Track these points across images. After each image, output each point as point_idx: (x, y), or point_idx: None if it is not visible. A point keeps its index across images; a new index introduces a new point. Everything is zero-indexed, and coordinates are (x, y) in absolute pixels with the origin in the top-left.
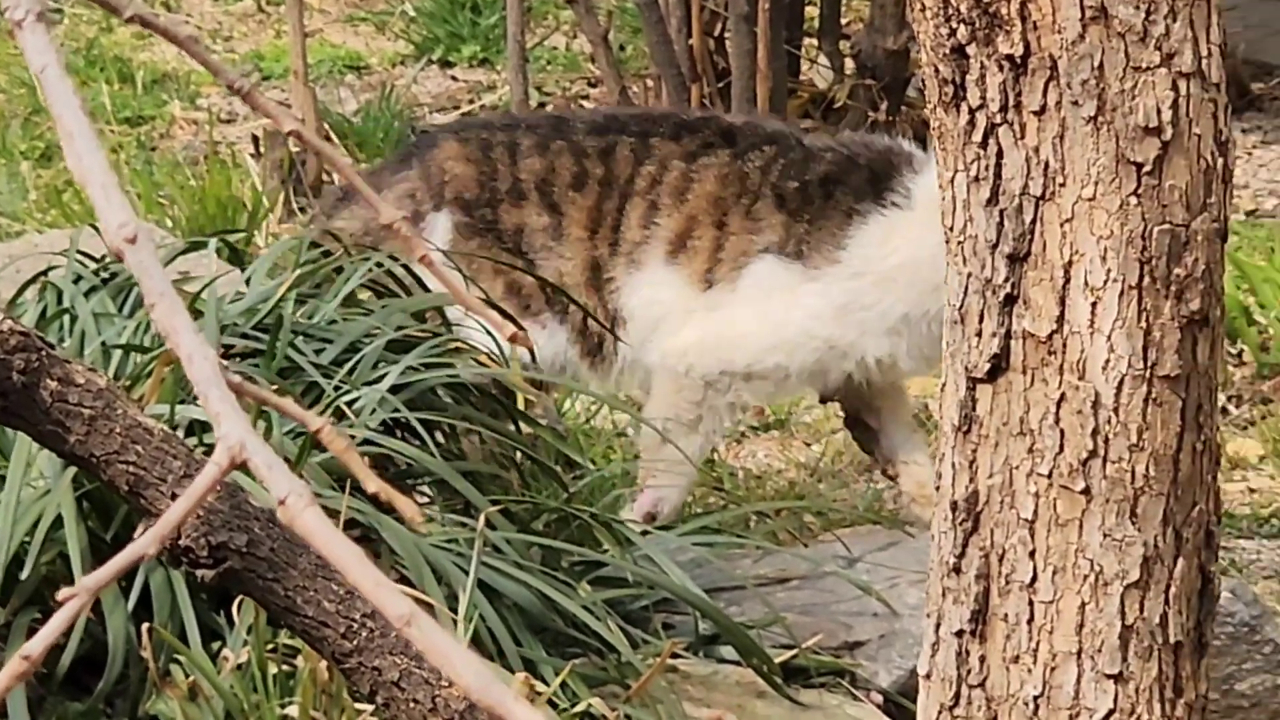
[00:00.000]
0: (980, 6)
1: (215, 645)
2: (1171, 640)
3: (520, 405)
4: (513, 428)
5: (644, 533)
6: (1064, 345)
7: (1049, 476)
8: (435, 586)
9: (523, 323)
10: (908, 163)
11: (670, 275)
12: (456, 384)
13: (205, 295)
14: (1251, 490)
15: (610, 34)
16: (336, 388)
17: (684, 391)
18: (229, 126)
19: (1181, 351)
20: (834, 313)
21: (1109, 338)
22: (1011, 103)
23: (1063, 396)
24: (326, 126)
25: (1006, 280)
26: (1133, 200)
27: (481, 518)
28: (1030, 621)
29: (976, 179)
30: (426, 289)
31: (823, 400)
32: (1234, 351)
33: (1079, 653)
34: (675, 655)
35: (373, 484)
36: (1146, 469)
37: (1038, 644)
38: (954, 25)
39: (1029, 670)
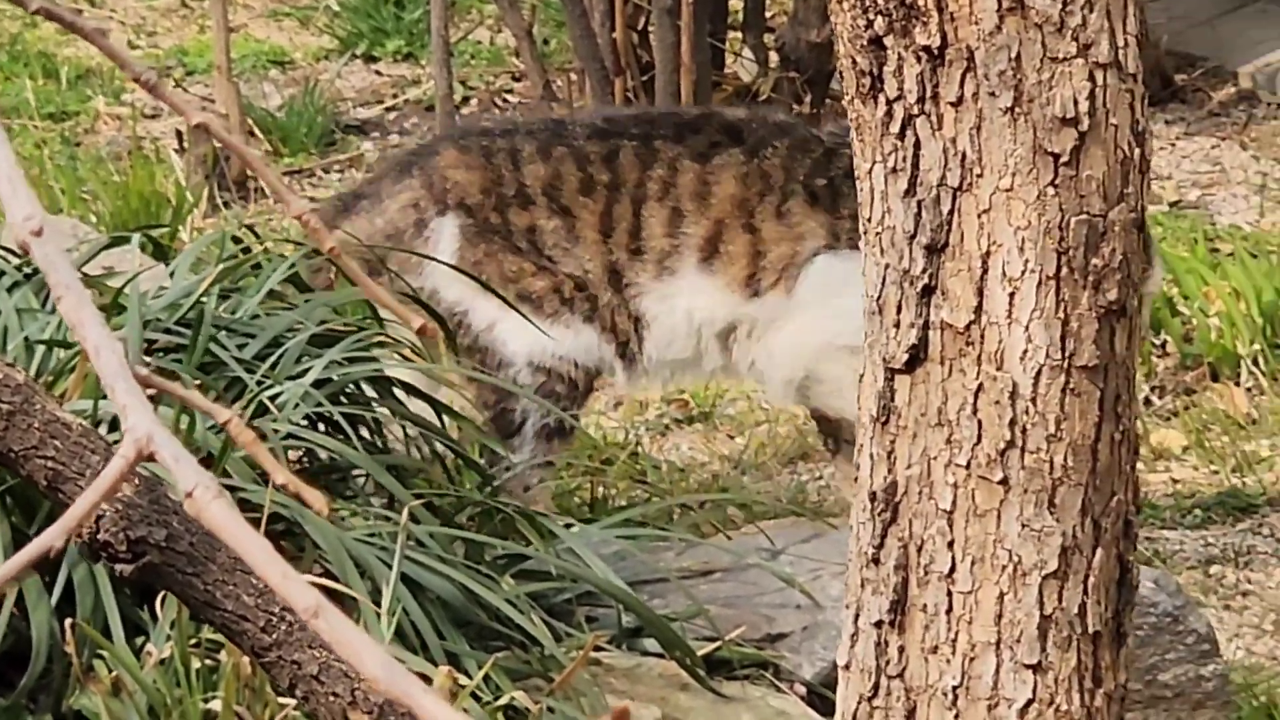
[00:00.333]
0: None
1: (139, 640)
2: (1090, 630)
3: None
4: (437, 421)
5: (567, 525)
6: (982, 336)
7: (967, 467)
8: (358, 580)
9: (546, 322)
10: None
11: (706, 282)
12: (380, 378)
13: (128, 290)
14: (1174, 481)
15: (534, 28)
16: (259, 382)
17: (830, 375)
18: (153, 122)
19: (1099, 342)
20: None
21: (1027, 328)
22: (929, 94)
23: (981, 387)
24: (250, 121)
25: (924, 271)
26: (1050, 191)
27: (405, 511)
28: (949, 612)
29: (894, 170)
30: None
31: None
32: (1157, 342)
33: (998, 643)
34: (598, 648)
35: (281, 476)
36: (1065, 459)
37: (956, 634)
38: (871, 17)
39: (948, 661)
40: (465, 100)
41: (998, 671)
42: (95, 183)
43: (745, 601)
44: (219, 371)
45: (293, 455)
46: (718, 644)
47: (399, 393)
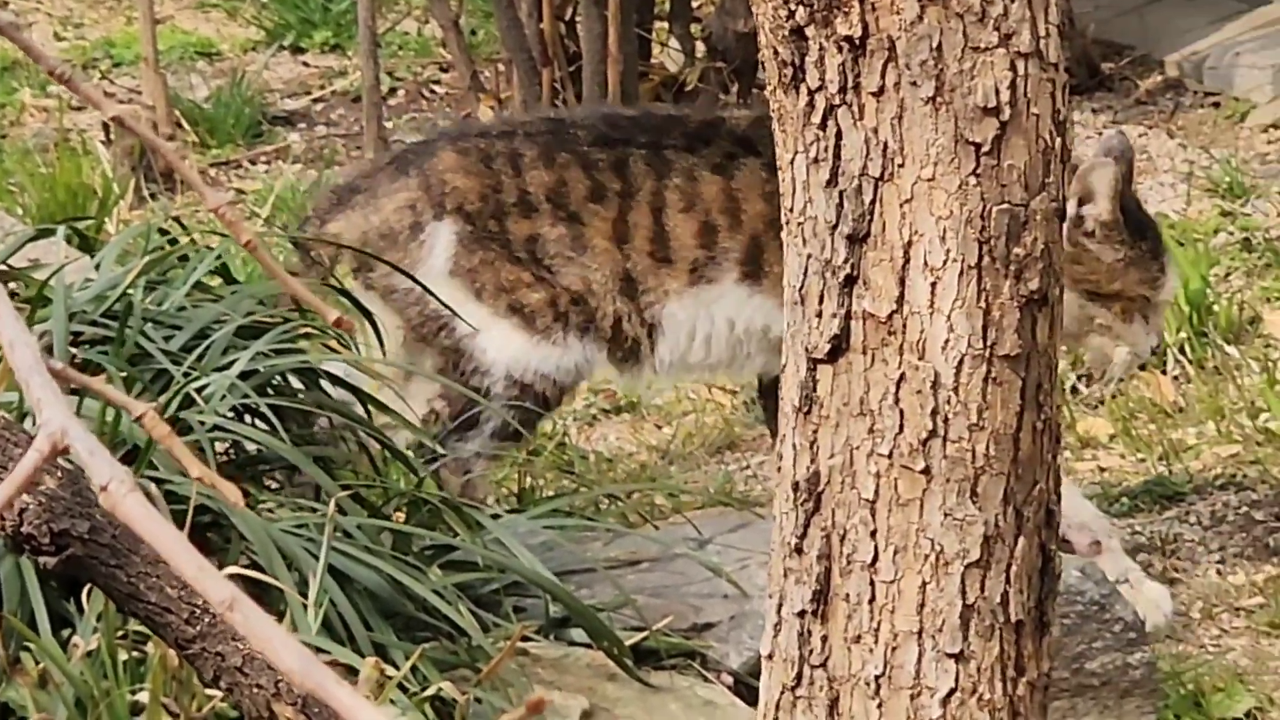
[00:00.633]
0: None
1: (65, 633)
2: (1013, 619)
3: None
4: (364, 413)
5: (494, 516)
6: (904, 325)
7: (889, 456)
8: (285, 572)
9: (534, 338)
10: None
11: (749, 295)
12: (307, 369)
13: (54, 282)
14: (1101, 469)
15: (461, 19)
16: (186, 374)
17: None
18: (80, 114)
19: (1021, 331)
20: None
21: (948, 317)
22: (850, 84)
23: (903, 376)
24: (178, 113)
25: (846, 261)
26: (972, 180)
27: (332, 503)
28: (872, 601)
29: (816, 160)
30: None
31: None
32: None
33: (920, 632)
34: (526, 638)
35: (195, 469)
36: (987, 448)
37: (879, 624)
38: (793, 7)
39: (870, 650)
40: (392, 91)
41: (920, 660)
42: (21, 174)
43: (672, 591)
44: (145, 363)
45: (220, 447)
46: (645, 634)
47: (325, 384)
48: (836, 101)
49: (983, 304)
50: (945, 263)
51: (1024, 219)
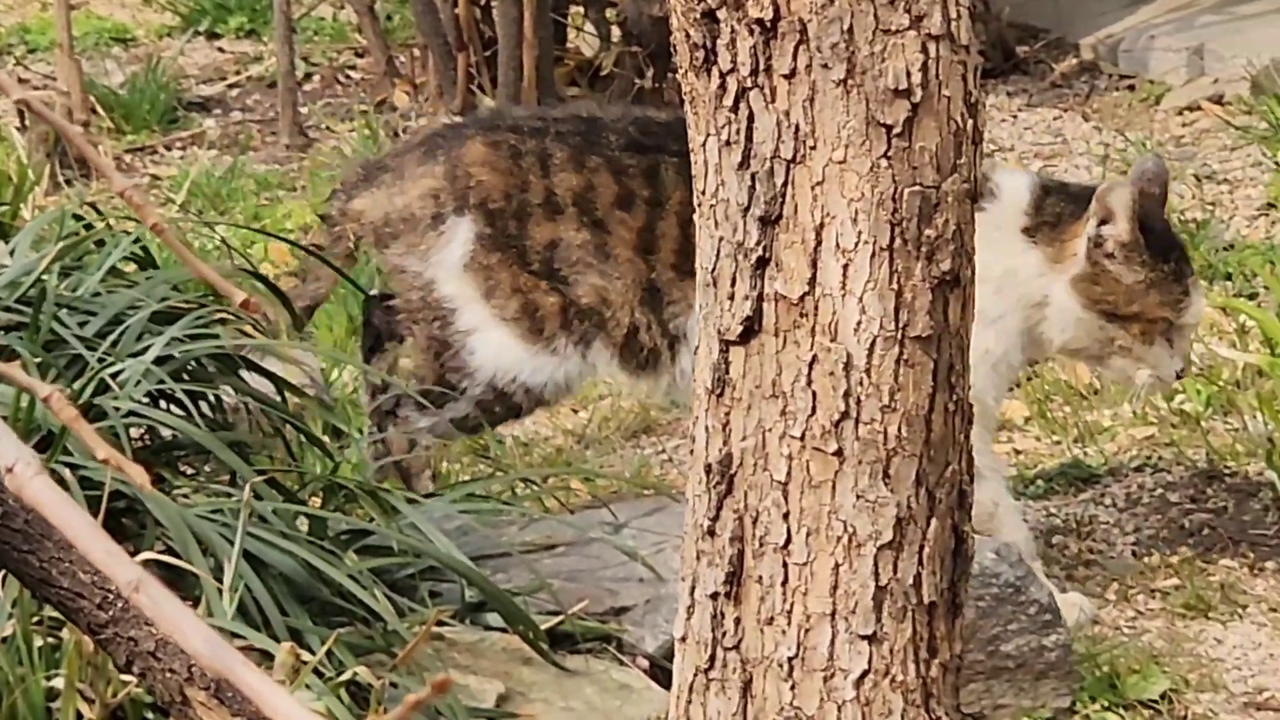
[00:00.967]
0: None
1: None
2: (925, 600)
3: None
4: (279, 398)
5: (410, 501)
6: (816, 307)
7: (802, 438)
8: (200, 557)
9: (533, 348)
10: None
11: None
12: (222, 355)
13: None
14: (1017, 451)
15: (376, 4)
16: (101, 359)
17: None
18: None
19: (933, 312)
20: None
21: (860, 299)
22: (762, 66)
23: (815, 358)
24: (93, 99)
25: (758, 243)
26: (883, 162)
27: (247, 488)
28: (784, 583)
29: (728, 143)
30: None
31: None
32: None
33: (833, 614)
34: (441, 623)
35: (102, 451)
36: (899, 430)
37: (792, 606)
38: None
39: (783, 632)
40: (308, 77)
41: (833, 642)
42: None
43: (588, 575)
44: (60, 349)
45: (135, 432)
46: (561, 618)
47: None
48: (748, 84)
49: (895, 285)
50: (857, 244)
51: (935, 200)
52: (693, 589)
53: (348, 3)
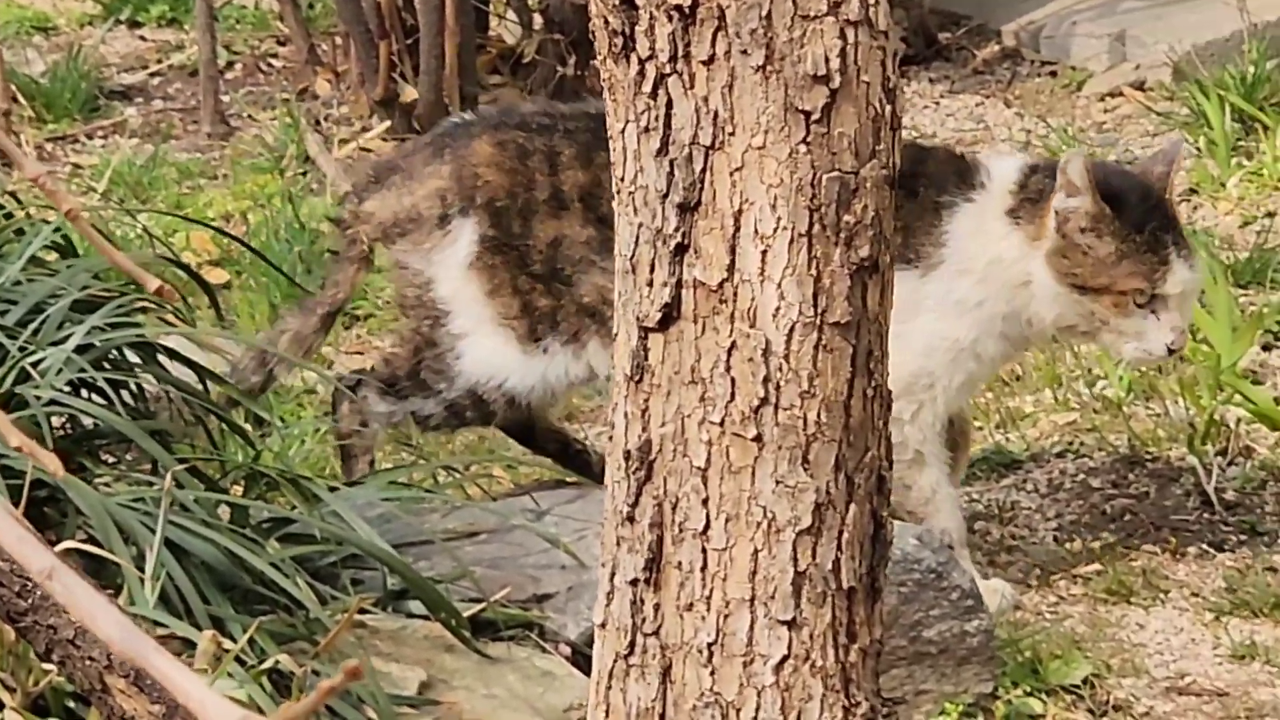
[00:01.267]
0: None
1: None
2: (845, 586)
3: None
4: (201, 386)
5: (332, 489)
6: (735, 293)
7: (721, 424)
8: (122, 546)
9: (526, 349)
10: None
11: None
12: (144, 343)
13: None
14: None
15: None
16: (22, 349)
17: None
18: None
19: (851, 298)
20: (951, 309)
21: (779, 285)
22: (680, 53)
23: (734, 345)
24: (14, 88)
25: (677, 230)
26: (802, 148)
27: (168, 476)
28: (704, 569)
29: (647, 129)
30: None
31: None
32: None
33: (752, 599)
34: (363, 611)
35: (15, 438)
36: (818, 416)
37: (711, 591)
38: None
39: (703, 618)
40: (230, 65)
41: (752, 628)
42: None
43: (510, 563)
44: None
45: (56, 421)
46: (483, 605)
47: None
48: (667, 70)
49: (813, 271)
50: (776, 230)
51: (854, 186)
52: (612, 575)
53: None
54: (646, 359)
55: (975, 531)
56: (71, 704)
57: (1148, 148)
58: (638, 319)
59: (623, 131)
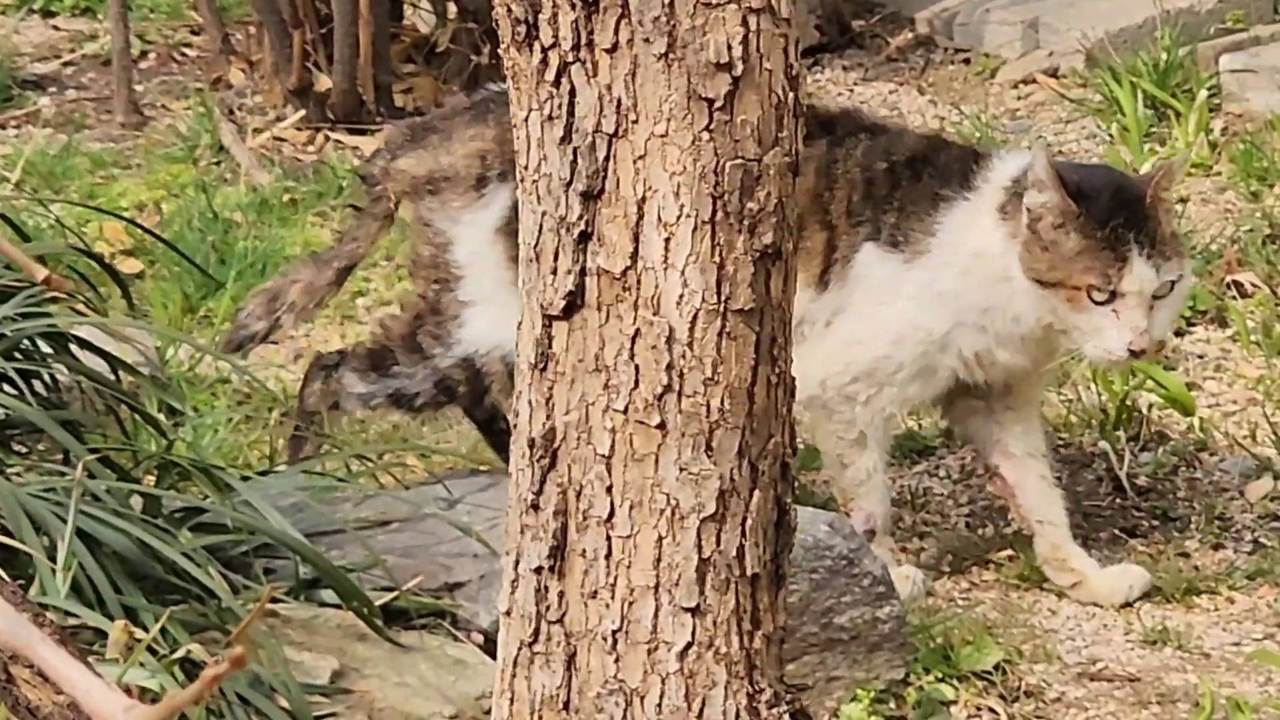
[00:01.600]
0: None
1: None
2: (748, 573)
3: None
4: (113, 376)
5: (244, 478)
6: (638, 281)
7: (625, 412)
8: (34, 536)
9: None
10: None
11: None
12: (56, 334)
13: None
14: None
15: None
16: None
17: (834, 415)
18: None
19: (755, 285)
20: (931, 300)
21: (683, 273)
22: (584, 41)
23: (638, 332)
24: None
25: (581, 218)
26: (705, 136)
27: (80, 466)
28: (608, 557)
29: (550, 118)
30: None
31: (951, 435)
32: None
33: (656, 586)
34: (275, 600)
35: None
36: (721, 403)
37: (616, 579)
38: None
39: (607, 605)
40: (143, 55)
41: (657, 615)
42: None
43: (422, 551)
44: None
45: None
46: (395, 594)
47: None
48: (570, 59)
49: (717, 259)
50: (679, 218)
51: (757, 174)
52: (517, 563)
53: None
54: (551, 347)
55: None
56: None
57: (1061, 134)
58: (542, 307)
59: (526, 120)
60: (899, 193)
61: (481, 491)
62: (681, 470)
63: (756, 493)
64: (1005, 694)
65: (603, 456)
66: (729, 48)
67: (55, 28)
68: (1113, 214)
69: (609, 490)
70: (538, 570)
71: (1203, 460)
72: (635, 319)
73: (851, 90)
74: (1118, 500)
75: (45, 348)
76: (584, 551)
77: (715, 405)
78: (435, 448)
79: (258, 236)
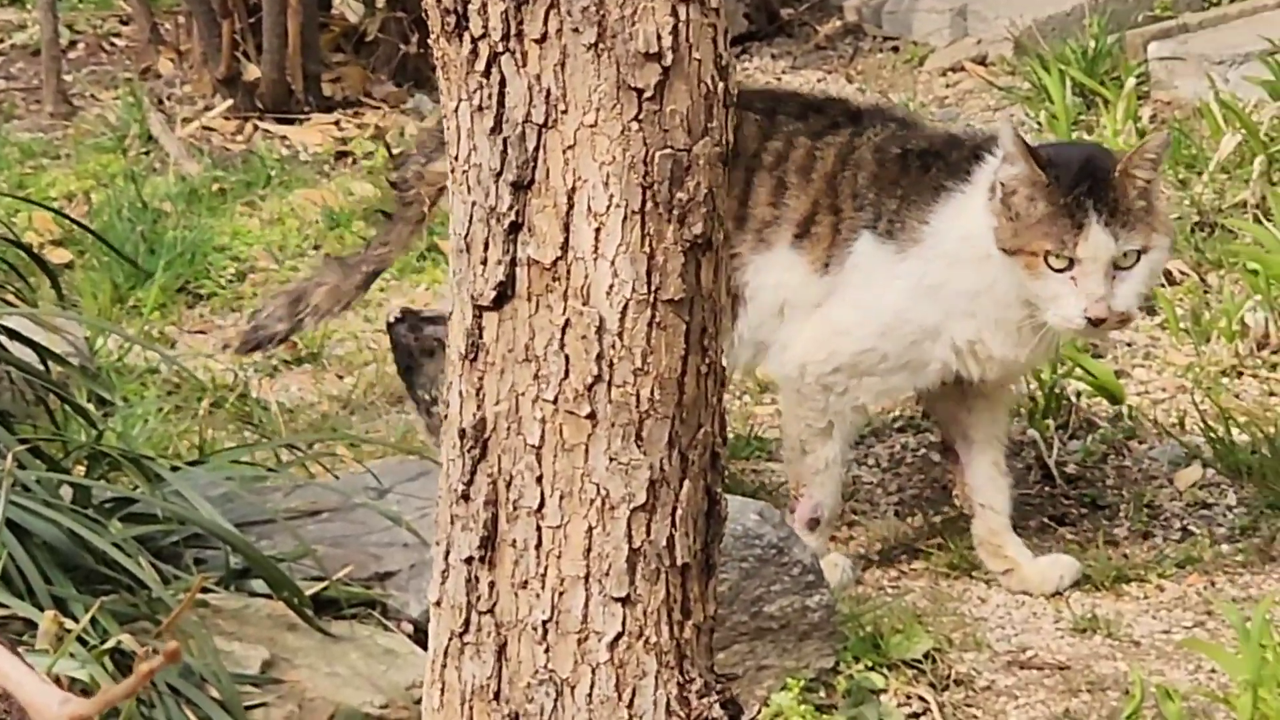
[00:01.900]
0: None
1: None
2: (679, 562)
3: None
4: (43, 367)
5: (174, 468)
6: (568, 271)
7: (555, 402)
8: None
9: None
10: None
11: (795, 259)
12: None
13: None
14: (781, 414)
15: None
16: None
17: (807, 401)
18: None
19: (685, 275)
20: (922, 292)
21: (613, 263)
22: (513, 31)
23: (568, 322)
24: None
25: (511, 208)
26: (634, 126)
27: (9, 456)
28: (538, 547)
29: (480, 108)
30: None
31: (926, 415)
32: None
33: (587, 576)
34: (206, 590)
35: None
36: (651, 393)
37: (546, 569)
38: None
39: (537, 595)
40: (72, 44)
41: (587, 605)
42: None
43: (353, 541)
44: None
45: None
46: (325, 584)
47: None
48: (500, 49)
49: (646, 249)
50: (609, 208)
51: (687, 164)
52: (447, 553)
53: None
54: (481, 337)
55: None
56: None
57: (990, 122)
58: (472, 297)
59: (456, 110)
60: (903, 184)
61: (411, 481)
62: (611, 460)
63: (686, 482)
64: (935, 682)
65: (533, 447)
66: (658, 38)
67: None
68: (1078, 183)
69: (539, 480)
70: (468, 560)
71: (1131, 448)
72: (565, 309)
73: (780, 79)
74: (1047, 488)
75: None
76: (514, 542)
77: (645, 395)
78: (365, 437)
79: (187, 226)
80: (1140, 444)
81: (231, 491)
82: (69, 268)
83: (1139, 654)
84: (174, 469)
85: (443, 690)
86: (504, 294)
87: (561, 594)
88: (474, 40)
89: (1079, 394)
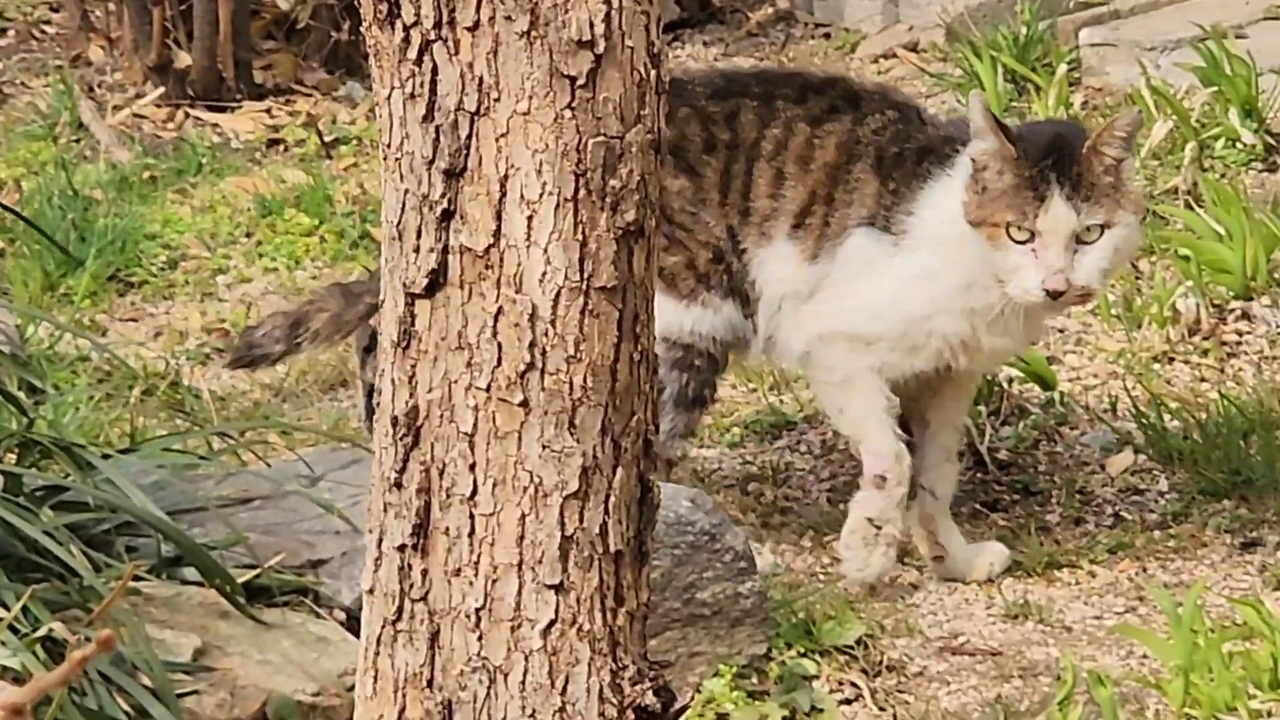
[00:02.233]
0: None
1: None
2: (612, 550)
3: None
4: None
5: (105, 456)
6: (501, 259)
7: (488, 390)
8: None
9: (682, 306)
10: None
11: (790, 249)
12: None
13: None
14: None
15: None
16: None
17: (819, 360)
18: None
19: (618, 263)
20: (912, 282)
21: (545, 250)
22: (445, 19)
23: (500, 310)
24: None
25: (443, 196)
26: (567, 114)
27: None
28: (471, 534)
29: (412, 96)
30: None
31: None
32: None
33: (520, 564)
34: (138, 578)
35: None
36: (584, 380)
37: (479, 556)
38: None
39: (470, 583)
40: (2, 31)
41: (520, 592)
42: None
43: (285, 528)
44: None
45: None
46: (257, 572)
47: None
48: (432, 36)
49: (579, 236)
50: (541, 196)
51: (620, 151)
52: (380, 541)
53: None
54: (413, 325)
55: (749, 494)
56: None
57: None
58: (404, 285)
59: (388, 98)
60: (898, 176)
61: (343, 469)
62: (544, 448)
63: (619, 470)
64: (867, 668)
65: (465, 434)
66: (591, 25)
67: None
68: (1045, 157)
69: (472, 468)
70: (401, 548)
71: (1063, 434)
72: (498, 297)
73: (713, 65)
74: (979, 475)
75: None
76: (447, 529)
77: (578, 383)
78: (297, 425)
79: (118, 214)
80: (1072, 430)
81: (163, 479)
82: (0, 256)
83: (1071, 640)
84: (105, 457)
85: (375, 678)
86: (436, 282)
87: (494, 581)
88: (406, 28)
89: (1011, 380)
